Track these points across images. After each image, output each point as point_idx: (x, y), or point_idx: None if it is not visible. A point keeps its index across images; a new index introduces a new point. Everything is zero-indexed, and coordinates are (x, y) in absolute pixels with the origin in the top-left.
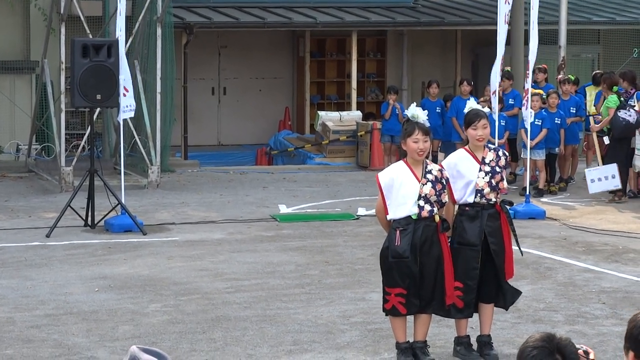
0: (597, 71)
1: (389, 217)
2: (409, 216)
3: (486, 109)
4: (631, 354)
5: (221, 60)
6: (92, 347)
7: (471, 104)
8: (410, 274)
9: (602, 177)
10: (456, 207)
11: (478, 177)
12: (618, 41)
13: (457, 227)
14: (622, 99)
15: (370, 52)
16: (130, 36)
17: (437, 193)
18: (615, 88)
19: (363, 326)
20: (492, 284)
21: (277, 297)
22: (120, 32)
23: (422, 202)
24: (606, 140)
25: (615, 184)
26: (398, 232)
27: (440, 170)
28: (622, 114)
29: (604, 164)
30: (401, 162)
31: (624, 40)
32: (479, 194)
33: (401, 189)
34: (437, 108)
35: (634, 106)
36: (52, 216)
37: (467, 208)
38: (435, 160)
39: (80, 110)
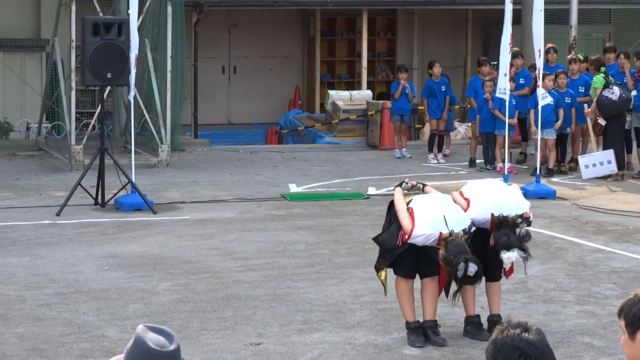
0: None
1: (414, 231)
2: None
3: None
4: (622, 322)
5: (231, 38)
6: (102, 325)
7: None
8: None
9: (597, 162)
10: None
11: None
12: (629, 21)
13: None
14: (609, 78)
15: (380, 31)
16: (141, 14)
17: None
18: (602, 69)
19: (373, 305)
20: (495, 262)
21: (288, 277)
22: (131, 10)
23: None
24: (602, 122)
25: (612, 168)
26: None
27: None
28: (605, 92)
29: (604, 145)
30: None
31: (636, 19)
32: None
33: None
34: (443, 87)
35: (619, 84)
36: (62, 195)
37: None
38: (440, 140)
39: (91, 89)
